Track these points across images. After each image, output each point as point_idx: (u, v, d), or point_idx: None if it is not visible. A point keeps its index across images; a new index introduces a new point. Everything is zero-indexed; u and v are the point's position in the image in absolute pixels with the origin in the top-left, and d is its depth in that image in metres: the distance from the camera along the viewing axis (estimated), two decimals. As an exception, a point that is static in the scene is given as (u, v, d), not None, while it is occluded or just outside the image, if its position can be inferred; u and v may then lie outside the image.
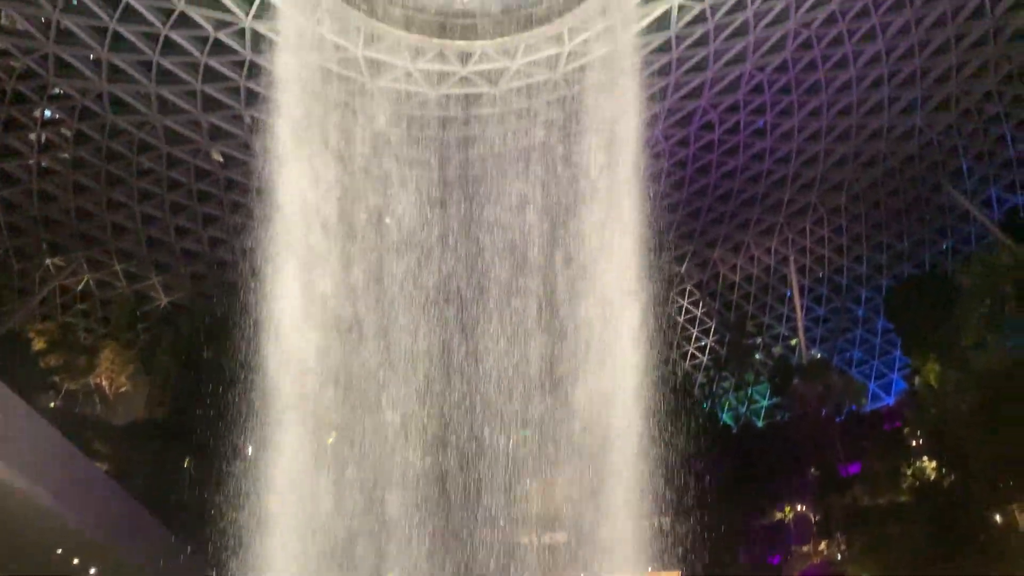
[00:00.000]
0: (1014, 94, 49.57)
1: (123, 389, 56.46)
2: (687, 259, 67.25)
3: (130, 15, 40.81)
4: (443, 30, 38.41)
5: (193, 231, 58.21)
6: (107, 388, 55.39)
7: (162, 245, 58.72)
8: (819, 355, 66.43)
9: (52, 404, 50.67)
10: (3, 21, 41.23)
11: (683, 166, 57.79)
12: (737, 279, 70.08)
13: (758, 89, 51.46)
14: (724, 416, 68.48)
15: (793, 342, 68.71)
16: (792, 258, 65.31)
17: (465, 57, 42.74)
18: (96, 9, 40.20)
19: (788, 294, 67.25)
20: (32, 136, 48.65)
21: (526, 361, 39.72)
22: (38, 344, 51.20)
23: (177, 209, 56.51)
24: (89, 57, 43.79)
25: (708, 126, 54.70)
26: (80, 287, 59.12)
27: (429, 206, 49.47)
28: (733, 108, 53.20)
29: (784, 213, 61.87)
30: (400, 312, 41.73)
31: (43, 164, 50.51)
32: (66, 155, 50.67)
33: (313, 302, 32.91)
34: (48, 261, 55.86)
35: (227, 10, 40.31)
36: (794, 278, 65.09)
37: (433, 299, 43.90)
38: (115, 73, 45.08)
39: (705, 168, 58.30)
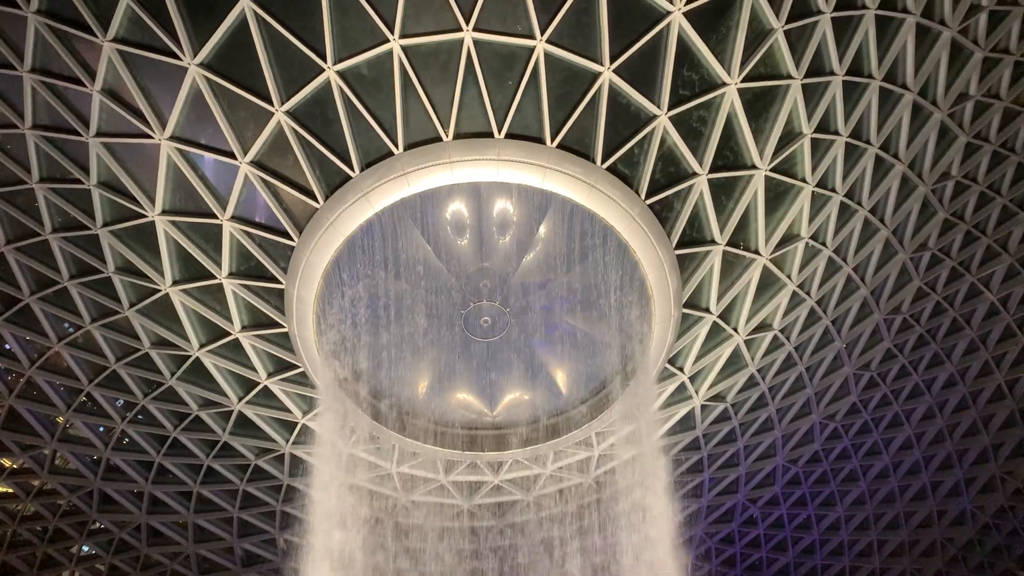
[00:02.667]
0: (1060, 471, 48.74)
1: None
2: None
3: (175, 449, 42.81)
4: (473, 443, 39.65)
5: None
6: None
7: None
8: None
9: None
10: (57, 462, 43.26)
11: (732, 565, 55.19)
12: None
13: (795, 481, 51.04)
14: None
15: None
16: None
17: (497, 466, 43.53)
18: (145, 445, 42.34)
19: None
20: (65, 574, 48.16)
21: None
22: None
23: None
24: (132, 491, 44.99)
25: (751, 521, 53.31)
26: None
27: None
28: (773, 502, 52.25)
29: (849, 612, 57.28)
30: None
31: (73, 604, 49.40)
32: (97, 590, 49.73)
33: None
34: None
35: (269, 438, 42.23)
36: None
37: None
38: (155, 505, 46.01)
39: (755, 566, 55.57)
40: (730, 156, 31.35)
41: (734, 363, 40.96)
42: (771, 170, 31.62)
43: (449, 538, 47.19)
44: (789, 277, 36.72)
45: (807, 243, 35.52)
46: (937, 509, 51.40)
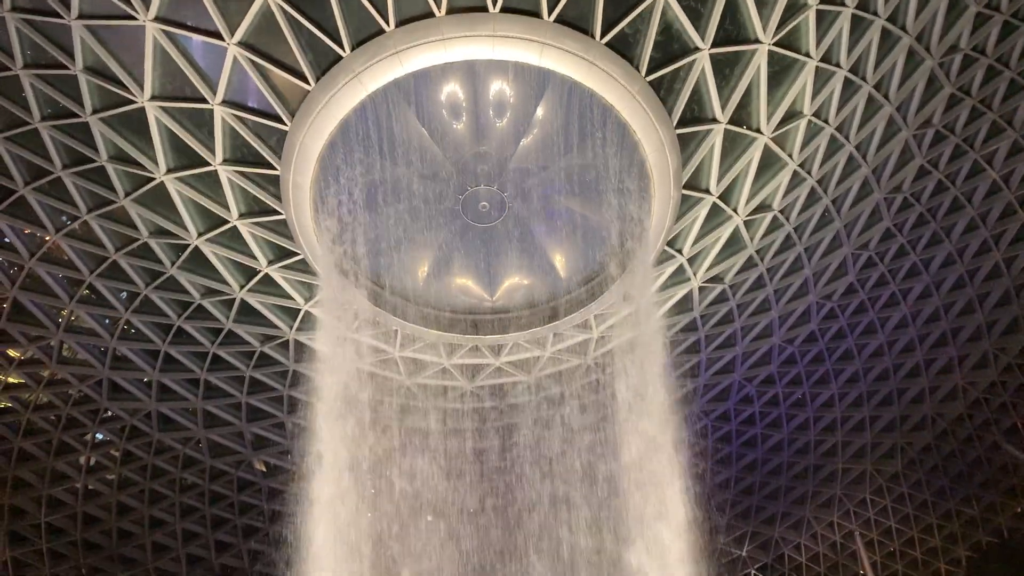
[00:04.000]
0: (1052, 347, 49.45)
1: None
2: (747, 540, 63.73)
3: (180, 337, 43.41)
4: (475, 327, 40.19)
5: (233, 545, 57.04)
6: None
7: (201, 562, 57.30)
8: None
9: None
10: (65, 353, 43.87)
11: (727, 441, 56.93)
12: (803, 559, 65.69)
13: (790, 361, 51.96)
14: None
15: (877, 626, 62.90)
16: (858, 532, 61.59)
17: (497, 350, 44.25)
18: (150, 334, 42.90)
19: (861, 573, 62.59)
20: (81, 460, 49.66)
21: None
22: None
23: (218, 523, 55.93)
24: (141, 379, 45.92)
25: (747, 400, 54.61)
26: (116, 613, 57.18)
27: (470, 495, 49.12)
28: (768, 380, 53.37)
29: (840, 484, 59.36)
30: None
31: (89, 487, 51.07)
32: (112, 476, 51.33)
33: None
34: (87, 587, 54.61)
35: (272, 325, 42.73)
36: (863, 554, 60.85)
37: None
38: (164, 392, 47.09)
39: (751, 442, 57.33)
40: (732, 30, 30.33)
41: (733, 244, 41.03)
42: (775, 44, 30.65)
43: (453, 419, 48.47)
44: (790, 156, 36.26)
45: (809, 121, 34.87)
46: (929, 385, 52.46)
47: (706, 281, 43.09)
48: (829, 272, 45.88)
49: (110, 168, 33.71)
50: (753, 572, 66.26)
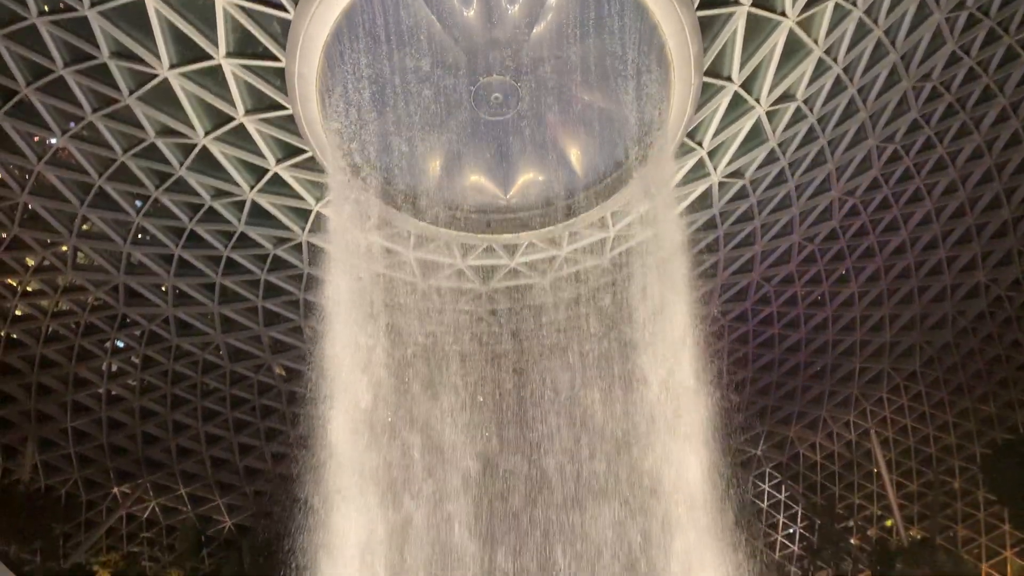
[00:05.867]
0: (1077, 245, 48.32)
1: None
2: (762, 440, 64.33)
3: (193, 241, 43.08)
4: (488, 226, 39.54)
5: (256, 448, 58.18)
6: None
7: (225, 464, 58.64)
8: (919, 536, 61.16)
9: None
10: (80, 259, 43.78)
11: (744, 342, 56.72)
12: (818, 458, 66.44)
13: (810, 259, 51.13)
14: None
15: (888, 523, 63.93)
16: (873, 431, 61.95)
17: (513, 249, 43.69)
18: (163, 238, 42.62)
19: (875, 470, 63.28)
20: (103, 365, 50.21)
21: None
22: (101, 576, 50.62)
23: (240, 426, 56.90)
24: (157, 284, 45.88)
25: (764, 299, 54.08)
26: (146, 514, 58.90)
27: (484, 403, 49.23)
28: (787, 280, 52.69)
29: (857, 384, 59.32)
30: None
31: (112, 392, 51.85)
32: (133, 381, 52.03)
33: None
34: (115, 489, 56.05)
35: (284, 227, 42.28)
36: (878, 452, 61.38)
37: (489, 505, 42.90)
38: (180, 297, 47.12)
39: (768, 343, 57.10)
40: (759, -101, 28.57)
41: (754, 137, 39.77)
42: (802, -84, 28.87)
43: (469, 321, 48.32)
44: (816, 42, 34.68)
45: (836, 3, 33.12)
46: (952, 283, 51.70)
47: (726, 176, 42.02)
48: (853, 166, 44.60)
49: (112, 65, 32.71)
50: (768, 470, 67.17)
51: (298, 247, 44.13)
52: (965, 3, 37.73)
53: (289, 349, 52.44)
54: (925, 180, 46.31)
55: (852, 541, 65.64)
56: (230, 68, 32.05)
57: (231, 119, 34.91)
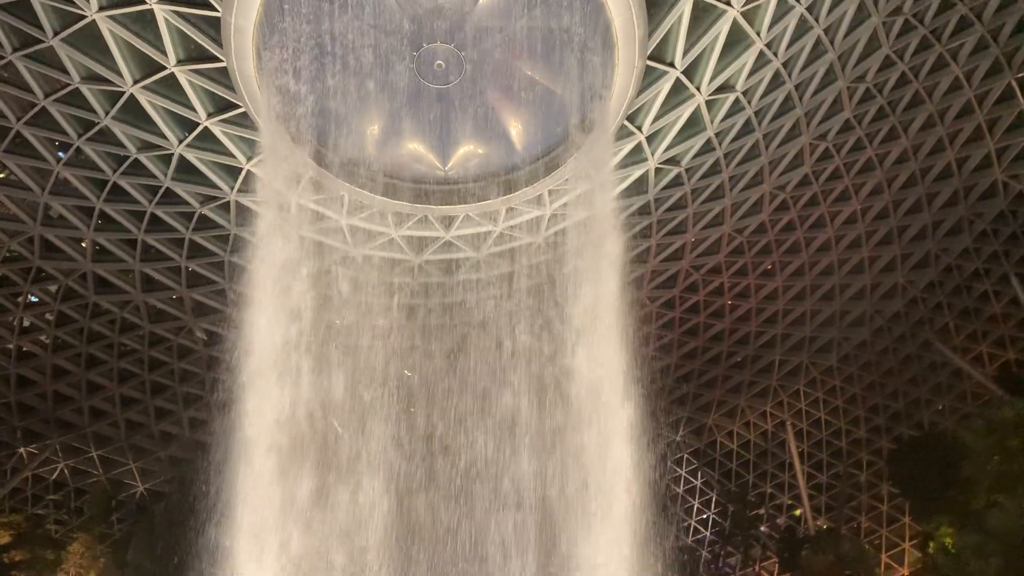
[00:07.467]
0: (990, 251, 50.13)
1: (93, 586, 52.90)
2: (682, 425, 65.61)
3: (116, 194, 41.44)
4: (426, 196, 39.10)
5: (173, 412, 56.61)
6: (75, 585, 51.82)
7: (140, 428, 56.90)
8: (825, 525, 63.42)
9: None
10: (-8, 207, 41.76)
11: (670, 328, 57.61)
12: (735, 446, 68.20)
13: (738, 251, 52.10)
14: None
15: (797, 512, 66.05)
16: (789, 423, 63.82)
17: (448, 222, 43.35)
18: (83, 190, 40.86)
19: (788, 461, 65.22)
20: (14, 320, 48.02)
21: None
22: (2, 538, 48.53)
23: (158, 390, 55.24)
24: (76, 238, 44.05)
25: (692, 288, 54.98)
26: (54, 476, 56.82)
27: (410, 374, 48.86)
28: (715, 270, 53.64)
29: (776, 375, 60.96)
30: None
31: (23, 348, 49.69)
32: (47, 338, 49.94)
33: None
34: (22, 449, 53.88)
35: (213, 184, 41.02)
36: (792, 443, 63.28)
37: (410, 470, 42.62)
38: (100, 253, 45.34)
39: (693, 330, 58.12)
40: None
41: (693, 125, 40.27)
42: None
43: (400, 293, 47.79)
44: (758, 34, 35.22)
45: (780, -3, 33.72)
46: (872, 282, 53.30)
47: (663, 163, 42.46)
48: (786, 161, 45.54)
49: (36, 3, 31.03)
50: (686, 456, 68.63)
51: (226, 206, 42.88)
52: (902, 8, 38.71)
53: (212, 312, 50.99)
54: (853, 180, 47.53)
55: (762, 528, 67.62)
56: (163, 14, 30.79)
57: (162, 68, 33.55)
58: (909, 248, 51.23)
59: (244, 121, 36.28)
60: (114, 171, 39.92)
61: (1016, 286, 49.58)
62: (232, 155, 38.71)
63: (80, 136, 37.76)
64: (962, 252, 50.69)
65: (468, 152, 38.34)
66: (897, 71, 41.77)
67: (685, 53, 34.59)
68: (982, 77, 42.05)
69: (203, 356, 54.35)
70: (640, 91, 35.30)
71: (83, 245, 45.00)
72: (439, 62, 32.45)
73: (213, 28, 31.22)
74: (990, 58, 40.76)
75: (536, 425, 40.84)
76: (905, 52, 41.06)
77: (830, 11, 36.40)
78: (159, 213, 42.84)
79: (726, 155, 43.41)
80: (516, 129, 37.07)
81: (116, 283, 47.62)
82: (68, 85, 35.01)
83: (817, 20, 36.37)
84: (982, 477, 40.75)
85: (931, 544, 48.42)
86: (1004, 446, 40.09)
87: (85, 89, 35.13)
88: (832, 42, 38.33)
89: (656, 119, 38.65)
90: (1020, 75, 41.42)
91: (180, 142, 37.80)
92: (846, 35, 38.37)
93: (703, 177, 44.94)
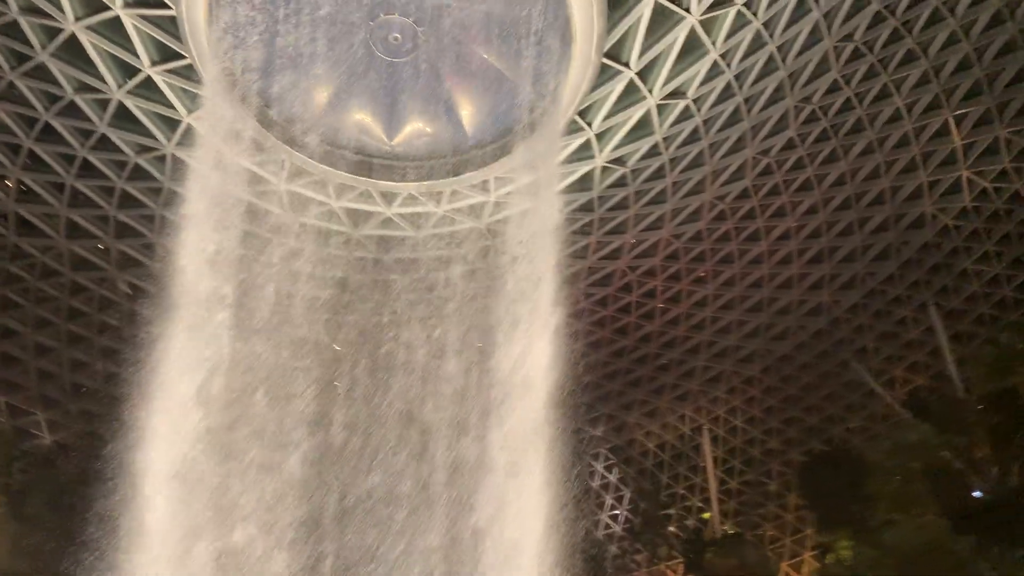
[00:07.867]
0: (913, 278, 52.03)
1: (-18, 538, 50.87)
2: (602, 422, 66.46)
3: (48, 134, 39.84)
4: (369, 169, 38.59)
5: (88, 365, 54.78)
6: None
7: (52, 378, 54.92)
8: (732, 530, 65.16)
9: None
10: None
11: (601, 326, 58.17)
12: (652, 446, 69.49)
13: (674, 256, 52.82)
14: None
15: (706, 515, 67.63)
16: (705, 427, 65.29)
17: (390, 198, 42.90)
18: (13, 127, 39.20)
19: (702, 465, 66.70)
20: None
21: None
22: None
23: (74, 340, 53.37)
24: (0, 176, 42.20)
25: (626, 288, 55.57)
26: (-46, 421, 54.59)
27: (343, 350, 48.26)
28: (650, 272, 54.30)
29: (698, 380, 62.22)
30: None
31: (-67, 285, 47.54)
32: (-41, 276, 47.87)
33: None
34: (-77, 391, 51.69)
35: (150, 135, 39.79)
36: (707, 448, 64.75)
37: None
38: (25, 194, 43.49)
39: (623, 330, 58.79)
40: None
41: (642, 128, 40.61)
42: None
43: (334, 265, 47.05)
44: (714, 44, 35.71)
45: (739, 10, 34.22)
46: (799, 298, 54.79)
47: (609, 162, 42.76)
48: (728, 172, 46.22)
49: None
50: (603, 451, 69.60)
51: (162, 159, 41.57)
52: (853, 36, 39.68)
53: (138, 266, 49.39)
54: (791, 197, 48.62)
55: (671, 528, 69.13)
56: (113, -47, 29.69)
57: (107, 8, 32.26)
58: (838, 269, 52.72)
59: (189, 73, 35.20)
60: (47, 110, 38.32)
61: (934, 315, 51.73)
62: (173, 107, 37.52)
63: (13, 69, 36.14)
64: (887, 277, 52.48)
65: (417, 129, 38.00)
66: (843, 96, 42.87)
67: (641, 55, 34.90)
68: (922, 111, 43.47)
69: (124, 310, 52.67)
70: (593, 88, 35.46)
71: (7, 184, 43.15)
72: (395, 34, 32.05)
73: (164, -27, 30.24)
74: (931, 93, 42.15)
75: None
76: (852, 78, 42.15)
77: (785, 29, 37.16)
78: (92, 159, 41.29)
79: (672, 160, 43.92)
80: (467, 112, 36.89)
81: (40, 226, 45.65)
82: (4, 15, 33.41)
83: (772, 37, 37.10)
84: (883, 495, 42.54)
85: (828, 556, 50.33)
86: (906, 467, 42.00)
87: (23, 20, 33.60)
88: (784, 60, 39.11)
89: (607, 117, 38.92)
90: (957, 112, 42.98)
91: (120, 87, 36.50)
92: (798, 55, 39.21)
93: (647, 180, 45.36)
